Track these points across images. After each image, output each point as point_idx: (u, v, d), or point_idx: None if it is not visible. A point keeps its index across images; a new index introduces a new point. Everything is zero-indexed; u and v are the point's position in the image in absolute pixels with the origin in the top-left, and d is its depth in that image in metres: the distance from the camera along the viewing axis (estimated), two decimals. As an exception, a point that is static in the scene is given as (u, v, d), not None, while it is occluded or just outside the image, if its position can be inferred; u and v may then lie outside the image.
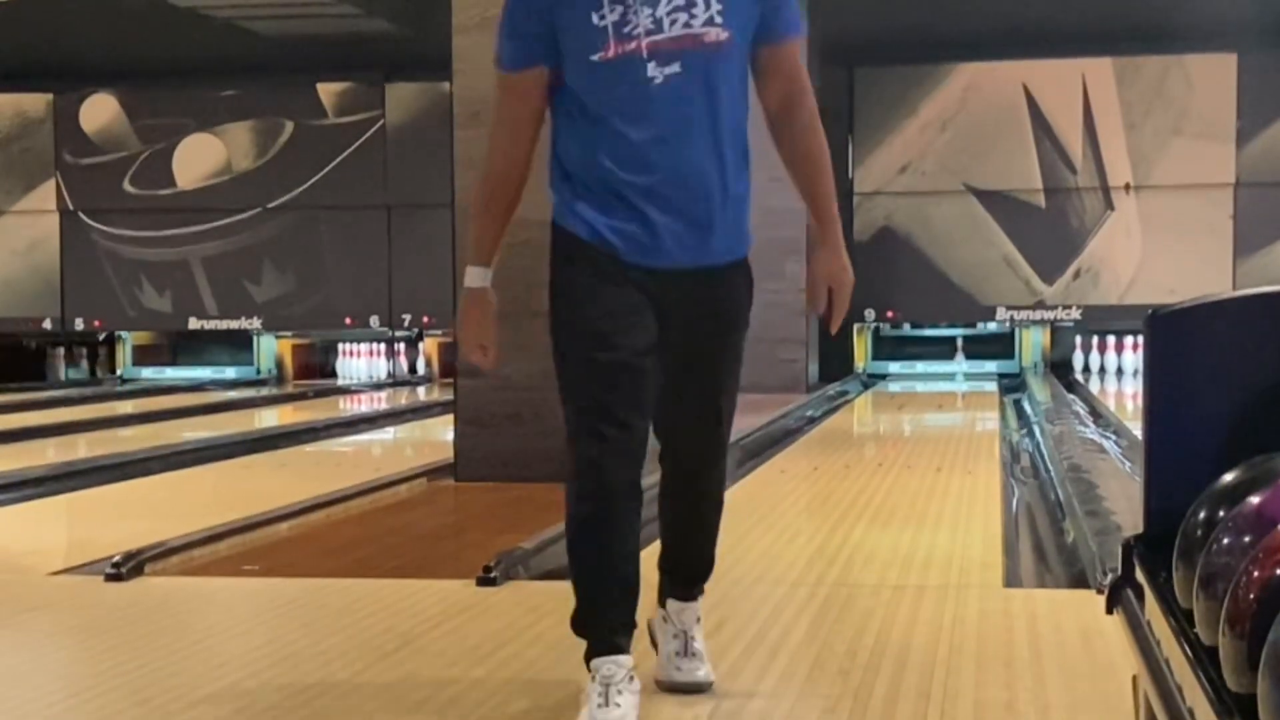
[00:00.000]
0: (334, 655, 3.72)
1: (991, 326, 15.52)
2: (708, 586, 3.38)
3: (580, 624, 3.07)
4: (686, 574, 3.33)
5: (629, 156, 2.95)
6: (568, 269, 3.05)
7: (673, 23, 2.92)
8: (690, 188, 2.97)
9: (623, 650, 3.01)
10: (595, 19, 2.92)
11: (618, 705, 2.94)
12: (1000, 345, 15.61)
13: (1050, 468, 7.62)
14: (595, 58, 2.92)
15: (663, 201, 2.96)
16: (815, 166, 3.14)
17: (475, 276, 3.12)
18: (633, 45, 2.91)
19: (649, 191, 2.96)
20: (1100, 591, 3.97)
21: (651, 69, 2.92)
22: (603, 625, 3.02)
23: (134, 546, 4.95)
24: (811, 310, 3.15)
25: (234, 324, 16.11)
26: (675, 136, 2.95)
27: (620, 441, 2.96)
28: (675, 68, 2.93)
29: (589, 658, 3.02)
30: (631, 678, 2.99)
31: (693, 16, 2.93)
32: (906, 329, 15.74)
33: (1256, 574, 1.73)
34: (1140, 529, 2.48)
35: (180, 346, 16.87)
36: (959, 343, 15.68)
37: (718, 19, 2.94)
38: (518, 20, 3.00)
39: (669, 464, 3.24)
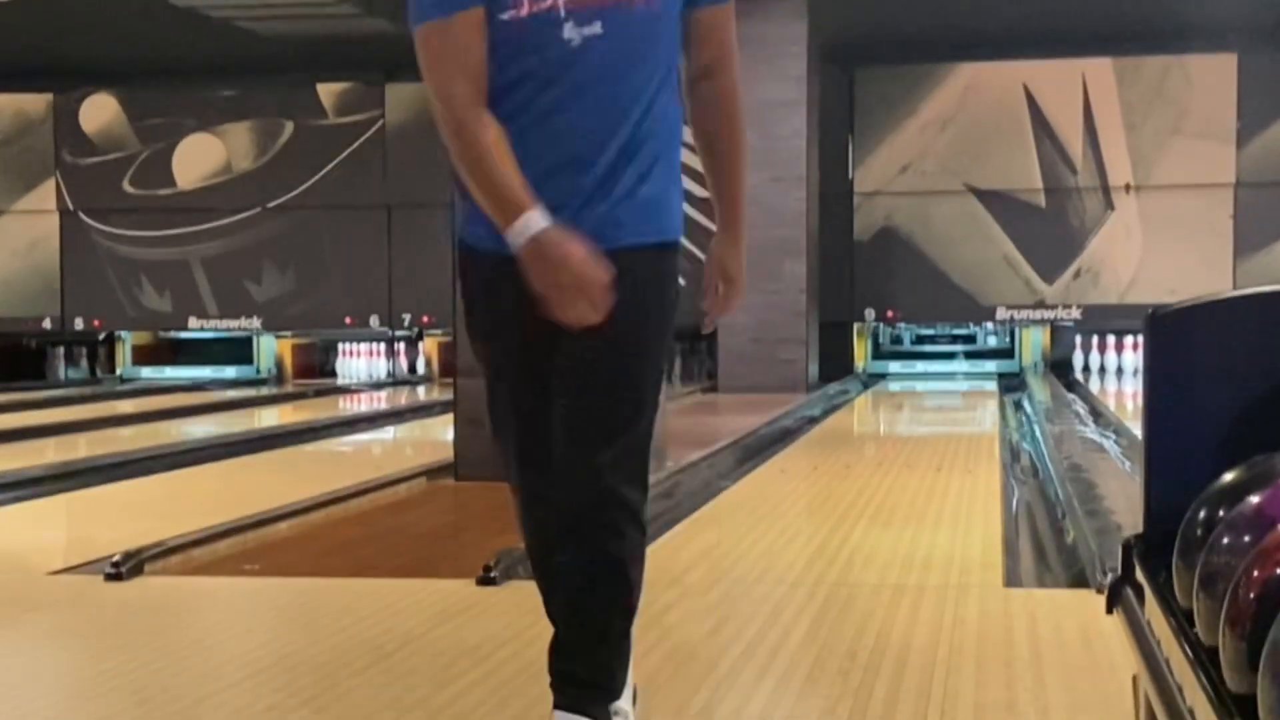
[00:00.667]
0: (334, 655, 3.72)
1: (992, 341, 15.56)
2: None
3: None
4: (566, 665, 2.80)
5: (535, 129, 2.61)
6: (470, 297, 2.81)
7: None
8: (595, 162, 2.63)
9: None
10: None
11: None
12: (1000, 351, 15.68)
13: (1050, 467, 7.62)
14: (505, 16, 2.58)
15: (566, 177, 2.62)
16: (732, 143, 2.80)
17: (537, 218, 2.55)
18: (548, 2, 2.58)
19: (552, 166, 2.61)
20: (1100, 591, 3.97)
21: (568, 29, 2.58)
22: None
23: (134, 546, 4.95)
24: (706, 306, 2.83)
25: (234, 324, 16.12)
26: (586, 105, 2.61)
27: (545, 483, 2.81)
28: (595, 28, 2.58)
29: None
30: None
31: None
32: (906, 344, 15.77)
33: (1256, 574, 1.73)
34: (1140, 529, 2.48)
35: (180, 346, 16.88)
36: (959, 356, 15.70)
37: None
38: None
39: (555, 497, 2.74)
